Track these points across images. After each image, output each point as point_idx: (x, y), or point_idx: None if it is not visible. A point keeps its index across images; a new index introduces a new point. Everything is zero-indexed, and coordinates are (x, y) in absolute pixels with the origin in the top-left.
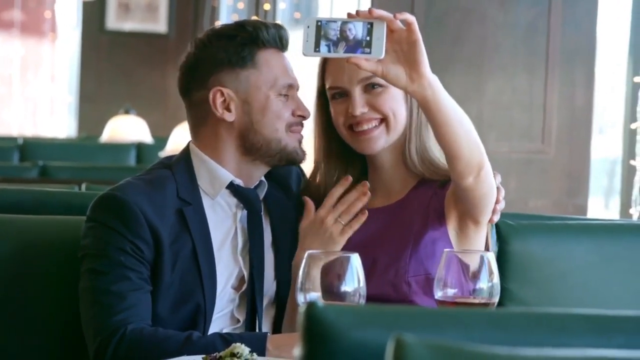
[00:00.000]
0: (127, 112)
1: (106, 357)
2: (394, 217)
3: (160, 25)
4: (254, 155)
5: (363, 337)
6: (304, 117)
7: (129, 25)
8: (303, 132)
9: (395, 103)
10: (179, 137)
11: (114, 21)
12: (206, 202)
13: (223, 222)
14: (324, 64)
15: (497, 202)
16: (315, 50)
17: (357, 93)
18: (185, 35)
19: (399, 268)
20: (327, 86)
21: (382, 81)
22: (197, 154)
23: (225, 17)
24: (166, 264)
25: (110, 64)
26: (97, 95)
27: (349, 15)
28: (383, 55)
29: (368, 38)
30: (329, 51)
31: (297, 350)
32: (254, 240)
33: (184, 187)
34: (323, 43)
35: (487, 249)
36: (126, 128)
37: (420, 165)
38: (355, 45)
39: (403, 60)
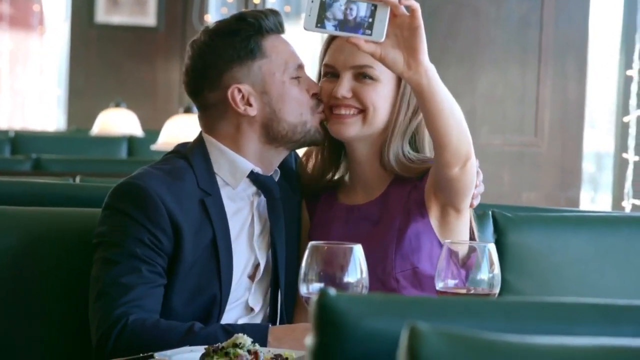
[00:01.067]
0: (117, 105)
1: (107, 348)
2: (376, 214)
3: (149, 18)
4: (278, 142)
5: (375, 326)
6: (317, 95)
7: (118, 18)
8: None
9: (380, 99)
10: (171, 130)
11: (103, 14)
12: (224, 192)
13: (241, 210)
14: (330, 42)
15: (475, 186)
16: (316, 26)
17: (347, 77)
18: (174, 29)
19: (386, 265)
20: (324, 62)
21: (374, 74)
22: (215, 145)
23: (215, 10)
24: (186, 255)
25: (99, 57)
26: (86, 88)
27: None
28: (383, 39)
29: (370, 20)
30: (330, 28)
31: (309, 339)
32: (275, 227)
33: (203, 177)
34: (325, 19)
35: (472, 234)
36: (117, 121)
37: (395, 165)
38: (357, 26)
39: (403, 46)
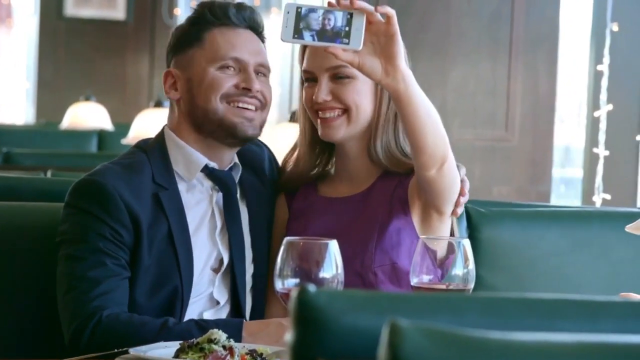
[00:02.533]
0: (87, 99)
1: (81, 343)
2: (359, 207)
3: (118, 12)
4: (203, 132)
5: (355, 322)
6: (249, 90)
7: (87, 11)
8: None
9: (359, 96)
10: (142, 124)
11: (72, 8)
12: (182, 186)
13: (199, 204)
14: (305, 48)
15: (461, 194)
16: (293, 37)
17: (324, 80)
18: (143, 22)
19: (365, 258)
20: (302, 68)
21: (349, 72)
22: (172, 139)
23: (184, 3)
24: (144, 248)
25: (68, 50)
26: (55, 82)
27: (330, 4)
28: (361, 47)
29: (347, 28)
30: (308, 39)
31: (289, 335)
32: (231, 221)
33: (159, 171)
34: (302, 30)
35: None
36: (87, 115)
37: (383, 159)
38: (334, 35)
39: (380, 52)
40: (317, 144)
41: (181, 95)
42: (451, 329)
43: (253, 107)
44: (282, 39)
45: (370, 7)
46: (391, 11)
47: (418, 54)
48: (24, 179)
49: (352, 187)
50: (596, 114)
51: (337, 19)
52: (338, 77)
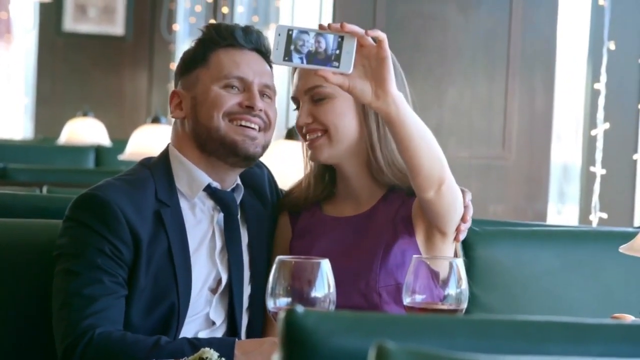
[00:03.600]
0: (85, 114)
1: None
2: (363, 227)
3: (117, 27)
4: (206, 151)
5: (343, 344)
6: (252, 108)
7: (86, 27)
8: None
9: (337, 116)
10: (139, 140)
11: (70, 23)
12: (184, 204)
13: (200, 223)
14: (293, 74)
15: (463, 221)
16: (284, 59)
17: (305, 103)
18: (142, 38)
19: (369, 278)
20: (291, 95)
21: (325, 93)
22: (176, 156)
23: (183, 20)
24: (142, 265)
25: (66, 66)
26: (53, 97)
27: (321, 27)
28: (351, 70)
29: (337, 51)
30: (297, 61)
31: (276, 357)
32: (231, 242)
33: (162, 188)
34: (292, 53)
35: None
36: (84, 130)
37: (388, 172)
38: (325, 58)
39: (370, 76)
40: (324, 171)
41: (186, 114)
42: (438, 351)
43: (256, 127)
44: (272, 61)
45: (361, 31)
46: (382, 35)
47: (414, 71)
48: (18, 196)
49: (355, 207)
50: (593, 132)
51: (328, 42)
52: (316, 98)
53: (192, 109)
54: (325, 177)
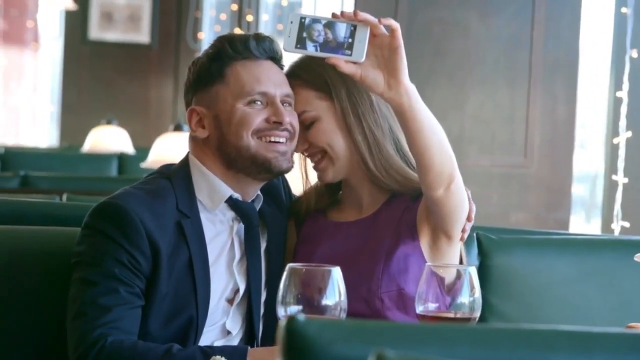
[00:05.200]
0: (109, 122)
1: None
2: (365, 232)
3: (142, 35)
4: (234, 168)
5: (344, 352)
6: (280, 124)
7: (112, 35)
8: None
9: (328, 135)
10: (161, 148)
11: (96, 31)
12: (203, 215)
13: (220, 234)
14: None
15: (468, 219)
16: (296, 47)
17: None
18: (167, 46)
19: (371, 284)
20: None
21: (310, 116)
22: (198, 167)
23: (208, 28)
24: (162, 277)
25: (92, 74)
26: (79, 105)
27: (334, 15)
28: (363, 59)
29: (350, 40)
30: (310, 49)
31: None
32: (251, 253)
33: (183, 199)
34: (304, 40)
35: (461, 263)
36: (108, 138)
37: (387, 179)
38: (337, 46)
39: (383, 66)
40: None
41: (210, 133)
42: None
43: (284, 140)
44: (284, 49)
45: (374, 20)
46: (395, 24)
47: (435, 79)
48: (36, 203)
49: (359, 212)
50: (615, 140)
51: (341, 30)
52: (305, 124)
53: (216, 128)
54: (332, 186)
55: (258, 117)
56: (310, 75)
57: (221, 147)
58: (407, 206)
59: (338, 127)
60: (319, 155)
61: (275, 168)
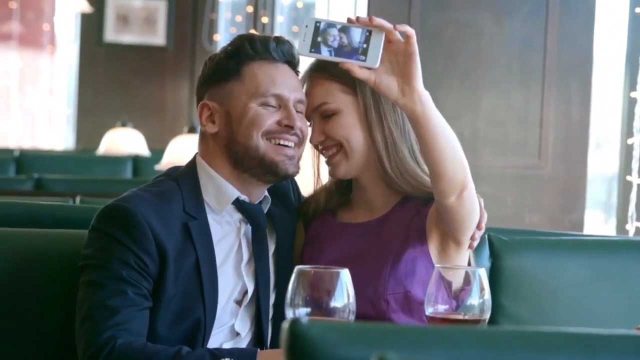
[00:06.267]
0: (124, 124)
1: None
2: (374, 233)
3: (158, 38)
4: (241, 167)
5: (348, 355)
6: (291, 127)
7: (127, 37)
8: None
9: (347, 129)
10: (175, 150)
11: (112, 34)
12: (211, 216)
13: (227, 236)
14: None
15: (479, 228)
16: (310, 51)
17: (315, 121)
18: (183, 48)
19: (378, 285)
20: None
21: (332, 108)
22: (204, 168)
23: (224, 30)
24: (169, 279)
25: (107, 76)
26: (94, 107)
27: (349, 20)
28: (378, 65)
29: (365, 45)
30: (324, 53)
31: None
32: (258, 255)
33: (190, 201)
34: (319, 44)
35: None
36: (123, 141)
37: (400, 181)
38: (351, 51)
39: (397, 72)
40: (341, 182)
41: (219, 129)
42: None
43: (293, 144)
44: (298, 52)
45: (390, 25)
46: (410, 30)
47: (449, 81)
48: (49, 206)
49: (369, 213)
50: (629, 141)
51: (356, 35)
52: (324, 115)
53: (227, 124)
54: (342, 187)
55: (270, 119)
56: (337, 69)
57: (229, 144)
58: (417, 210)
59: (359, 122)
60: (334, 149)
61: (281, 171)
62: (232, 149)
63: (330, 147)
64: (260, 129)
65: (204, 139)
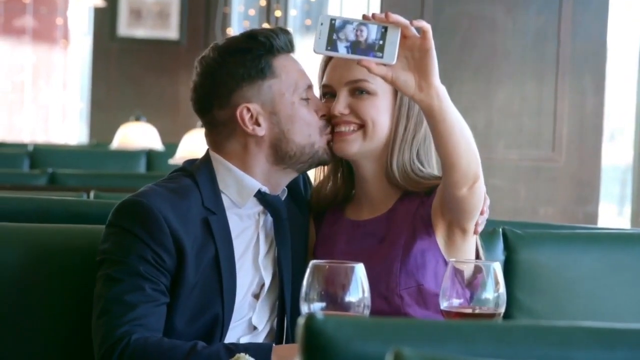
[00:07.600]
0: (137, 119)
1: None
2: (381, 230)
3: (171, 32)
4: (285, 163)
5: (363, 350)
6: (326, 116)
7: (141, 32)
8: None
9: (378, 113)
10: (189, 144)
11: (125, 28)
12: (229, 211)
13: (246, 230)
14: (326, 63)
15: (481, 213)
16: (326, 49)
17: (343, 94)
18: (196, 42)
19: (390, 281)
20: (322, 83)
21: (370, 88)
22: (222, 163)
23: (237, 23)
24: (189, 274)
25: (121, 70)
26: (108, 102)
27: (365, 16)
28: (395, 61)
29: (381, 42)
30: (341, 51)
31: None
32: (281, 245)
33: (209, 196)
34: (335, 42)
35: (477, 256)
36: (137, 135)
37: (400, 179)
38: (368, 48)
39: (414, 67)
40: (338, 169)
41: (267, 131)
42: (457, 357)
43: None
44: (315, 50)
45: (406, 21)
46: (427, 25)
47: (462, 73)
48: (63, 201)
49: (373, 210)
50: None
51: (372, 32)
52: (358, 92)
53: (275, 125)
54: (337, 173)
55: (313, 114)
56: None
57: (279, 144)
58: (421, 201)
59: (390, 110)
60: (353, 125)
61: (329, 159)
62: (282, 149)
63: (350, 123)
64: (315, 126)
65: (233, 139)
